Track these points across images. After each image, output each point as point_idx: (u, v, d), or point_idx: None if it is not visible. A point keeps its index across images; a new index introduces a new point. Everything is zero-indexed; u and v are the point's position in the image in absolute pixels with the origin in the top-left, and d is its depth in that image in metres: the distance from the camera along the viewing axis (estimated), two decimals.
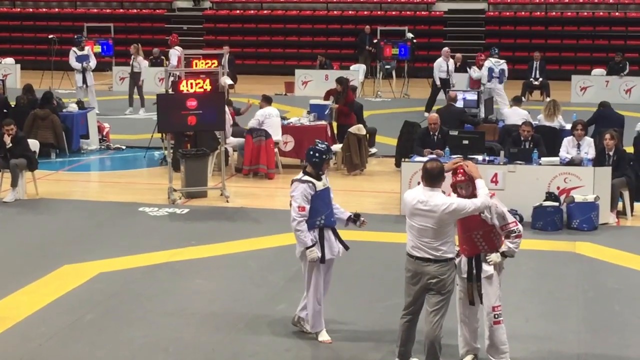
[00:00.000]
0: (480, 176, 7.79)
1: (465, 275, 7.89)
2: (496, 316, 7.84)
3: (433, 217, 7.45)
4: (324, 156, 8.48)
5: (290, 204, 8.48)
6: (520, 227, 7.85)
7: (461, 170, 7.75)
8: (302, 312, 8.73)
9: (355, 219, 8.72)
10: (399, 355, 7.87)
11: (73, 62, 23.13)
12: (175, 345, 8.51)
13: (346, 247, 8.70)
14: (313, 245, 8.37)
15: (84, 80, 22.98)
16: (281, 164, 16.48)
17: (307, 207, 8.34)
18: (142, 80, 23.83)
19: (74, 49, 23.29)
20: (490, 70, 21.85)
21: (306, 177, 8.43)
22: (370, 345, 8.49)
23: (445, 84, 23.32)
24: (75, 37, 24.25)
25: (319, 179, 8.48)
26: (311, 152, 8.52)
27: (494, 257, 7.81)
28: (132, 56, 24.11)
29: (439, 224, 7.47)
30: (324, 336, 8.57)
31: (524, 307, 9.60)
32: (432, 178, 7.57)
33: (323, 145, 8.57)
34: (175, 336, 8.71)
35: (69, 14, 36.30)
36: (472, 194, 7.67)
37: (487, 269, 7.82)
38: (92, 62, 23.38)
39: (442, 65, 23.63)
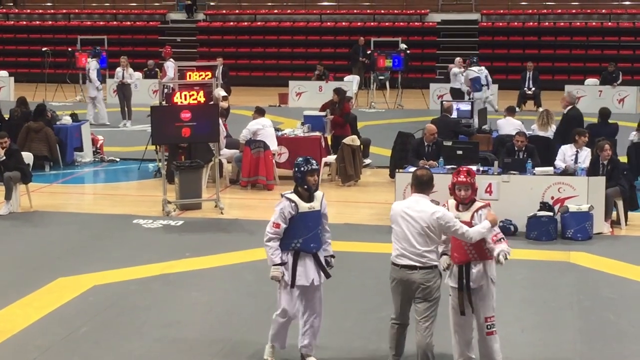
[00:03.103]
0: (492, 224, 7.66)
1: (456, 285, 7.86)
2: (489, 327, 7.82)
3: (419, 222, 7.50)
4: (302, 168, 8.01)
5: None
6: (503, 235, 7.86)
7: (464, 172, 7.78)
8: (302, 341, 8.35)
9: (327, 262, 8.26)
10: None
11: (94, 76, 23.19)
12: (170, 357, 8.49)
13: (327, 276, 8.23)
14: (280, 265, 8.04)
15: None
16: (277, 176, 16.46)
17: (283, 225, 8.03)
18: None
19: (95, 60, 23.43)
20: (477, 79, 20.94)
21: (292, 196, 8.08)
22: (365, 356, 8.48)
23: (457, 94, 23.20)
24: (96, 48, 24.39)
25: (310, 200, 8.06)
26: (294, 169, 8.19)
27: (501, 258, 7.70)
28: (123, 68, 24.10)
29: (424, 230, 7.50)
30: (267, 353, 8.24)
31: (520, 317, 9.60)
32: (421, 184, 7.67)
33: (300, 159, 8.17)
34: (170, 348, 8.69)
35: (63, 27, 36.37)
36: (470, 197, 7.77)
37: (480, 280, 7.77)
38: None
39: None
